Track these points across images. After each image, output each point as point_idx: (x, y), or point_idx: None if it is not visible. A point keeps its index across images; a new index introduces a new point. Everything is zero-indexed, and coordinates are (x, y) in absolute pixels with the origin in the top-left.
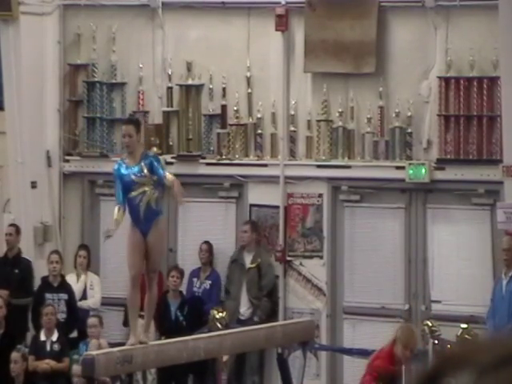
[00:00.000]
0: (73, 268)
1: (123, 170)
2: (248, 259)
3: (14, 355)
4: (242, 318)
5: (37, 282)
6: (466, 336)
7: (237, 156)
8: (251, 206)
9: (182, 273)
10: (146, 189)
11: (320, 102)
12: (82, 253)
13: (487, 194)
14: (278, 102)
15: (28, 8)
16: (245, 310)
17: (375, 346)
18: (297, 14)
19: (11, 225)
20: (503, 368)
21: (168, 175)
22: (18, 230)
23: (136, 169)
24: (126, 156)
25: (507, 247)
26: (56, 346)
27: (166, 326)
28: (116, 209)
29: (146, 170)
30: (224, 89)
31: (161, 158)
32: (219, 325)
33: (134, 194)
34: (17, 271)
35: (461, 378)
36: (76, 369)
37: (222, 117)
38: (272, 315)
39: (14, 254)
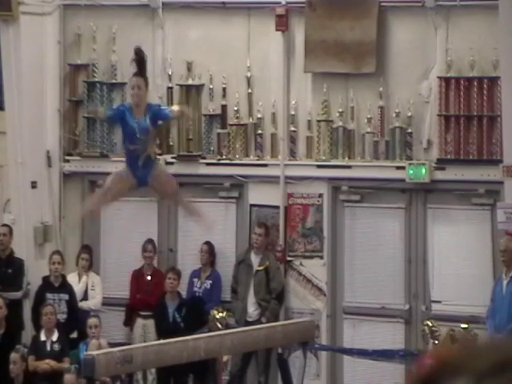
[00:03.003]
0: (73, 268)
1: (128, 119)
2: (255, 261)
3: (13, 356)
4: (250, 319)
5: (37, 282)
6: (451, 333)
7: (237, 156)
8: (251, 206)
9: (179, 274)
10: (147, 146)
11: (320, 101)
12: (85, 256)
13: (487, 194)
14: (278, 102)
15: (28, 8)
16: (252, 311)
17: (375, 346)
18: (297, 14)
19: (4, 225)
20: (501, 375)
21: (173, 109)
22: (11, 230)
23: (141, 124)
24: (131, 105)
25: (503, 248)
26: (56, 346)
27: (164, 328)
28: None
29: (149, 127)
30: (224, 89)
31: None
32: (219, 325)
33: (134, 147)
34: (10, 271)
35: None
36: (68, 378)
37: (222, 117)
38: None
39: (7, 254)
